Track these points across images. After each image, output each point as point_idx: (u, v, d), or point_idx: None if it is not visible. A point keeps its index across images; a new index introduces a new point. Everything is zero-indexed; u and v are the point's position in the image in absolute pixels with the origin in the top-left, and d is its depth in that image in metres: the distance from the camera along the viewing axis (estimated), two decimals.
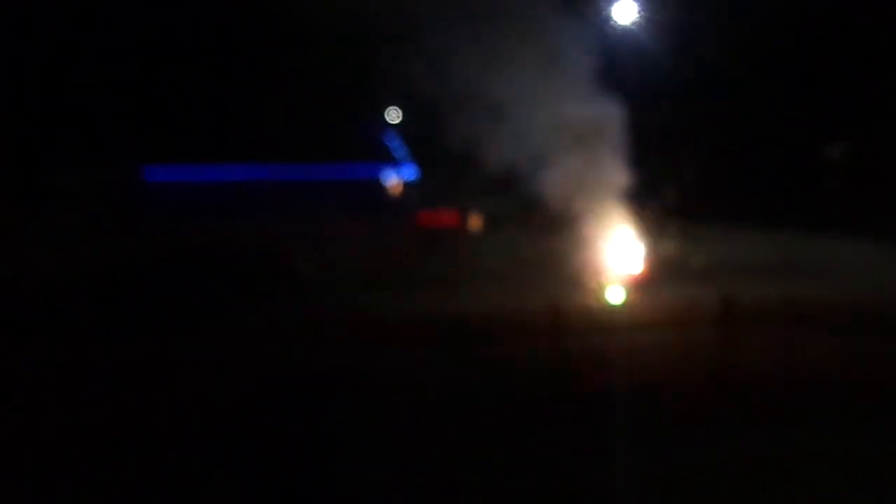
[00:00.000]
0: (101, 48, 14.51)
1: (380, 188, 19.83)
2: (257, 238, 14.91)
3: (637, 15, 18.45)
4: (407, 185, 26.81)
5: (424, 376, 8.18)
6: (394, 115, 28.28)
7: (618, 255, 14.71)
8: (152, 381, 8.05)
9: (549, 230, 15.11)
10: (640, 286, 14.58)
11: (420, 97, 14.40)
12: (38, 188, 15.37)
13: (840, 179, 33.08)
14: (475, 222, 24.72)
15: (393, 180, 20.66)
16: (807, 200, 30.00)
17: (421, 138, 25.87)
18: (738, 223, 28.32)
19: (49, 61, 13.97)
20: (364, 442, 6.59)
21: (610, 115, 14.19)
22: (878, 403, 8.17)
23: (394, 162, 19.45)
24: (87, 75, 13.76)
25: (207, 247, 11.15)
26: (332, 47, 13.36)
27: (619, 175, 14.55)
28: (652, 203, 15.01)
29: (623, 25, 18.27)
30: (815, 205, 29.38)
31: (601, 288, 14.41)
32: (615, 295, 14.25)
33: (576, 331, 9.01)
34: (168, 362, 8.18)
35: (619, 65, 14.48)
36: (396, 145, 19.87)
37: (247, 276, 10.33)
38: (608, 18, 17.78)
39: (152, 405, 7.79)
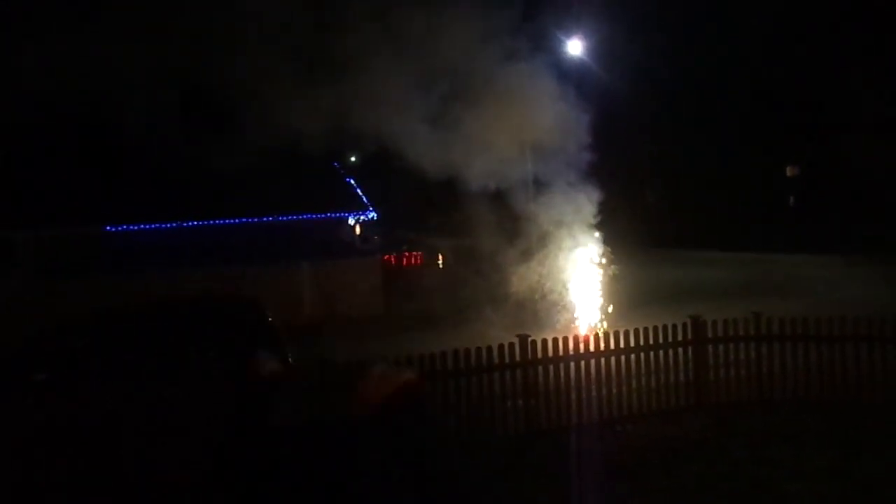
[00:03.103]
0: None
1: (343, 233, 19.59)
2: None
3: (588, 49, 18.70)
4: (370, 229, 26.62)
5: None
6: (353, 160, 28.24)
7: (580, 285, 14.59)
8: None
9: (513, 266, 14.93)
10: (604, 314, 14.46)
11: (379, 142, 14.21)
12: None
13: (798, 198, 33.67)
14: (438, 261, 24.57)
15: (356, 225, 20.45)
16: (767, 220, 30.37)
17: (381, 182, 25.81)
18: (701, 246, 28.53)
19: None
20: None
21: (570, 144, 14.11)
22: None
23: (355, 207, 19.28)
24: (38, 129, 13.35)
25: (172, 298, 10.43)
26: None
27: (578, 208, 14.47)
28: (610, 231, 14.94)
29: (578, 59, 18.46)
30: (776, 224, 29.74)
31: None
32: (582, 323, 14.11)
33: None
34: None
35: (577, 96, 14.51)
36: (357, 190, 19.73)
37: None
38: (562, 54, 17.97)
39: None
